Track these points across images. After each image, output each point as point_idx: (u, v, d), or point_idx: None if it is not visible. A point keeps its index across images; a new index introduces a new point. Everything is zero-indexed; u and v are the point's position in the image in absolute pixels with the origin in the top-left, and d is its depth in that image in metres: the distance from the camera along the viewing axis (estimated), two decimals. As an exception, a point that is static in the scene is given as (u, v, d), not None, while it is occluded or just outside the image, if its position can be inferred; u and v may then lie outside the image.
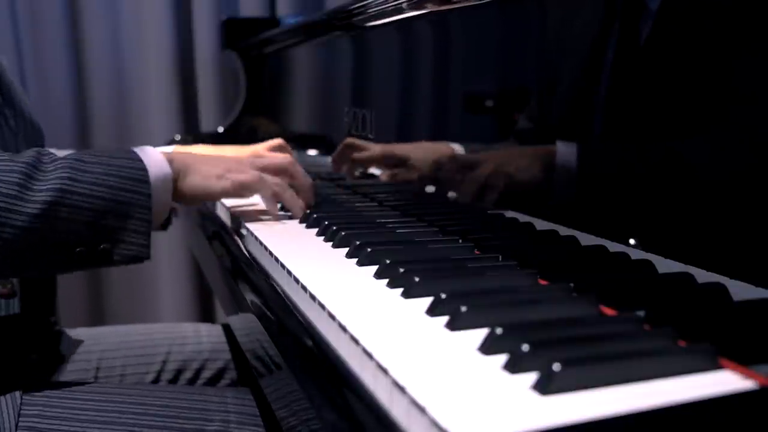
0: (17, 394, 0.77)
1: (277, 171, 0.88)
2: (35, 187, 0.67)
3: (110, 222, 0.71)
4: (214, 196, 0.87)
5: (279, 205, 0.96)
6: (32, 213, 0.67)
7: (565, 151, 0.71)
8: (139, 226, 0.73)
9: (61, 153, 0.96)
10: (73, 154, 0.75)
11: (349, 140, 1.10)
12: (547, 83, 0.77)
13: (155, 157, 0.77)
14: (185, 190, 0.81)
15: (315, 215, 0.84)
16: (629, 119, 0.64)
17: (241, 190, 0.84)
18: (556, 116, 0.74)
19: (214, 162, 0.84)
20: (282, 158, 0.91)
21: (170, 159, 0.80)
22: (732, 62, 0.53)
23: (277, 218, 0.89)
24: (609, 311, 0.51)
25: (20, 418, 0.75)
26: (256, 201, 1.07)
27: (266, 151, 1.08)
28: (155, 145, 1.15)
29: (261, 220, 0.89)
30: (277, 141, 1.12)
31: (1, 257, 0.68)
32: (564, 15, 0.74)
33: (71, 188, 0.69)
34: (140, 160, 0.75)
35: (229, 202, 1.03)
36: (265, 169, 0.87)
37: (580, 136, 0.70)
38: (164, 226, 0.78)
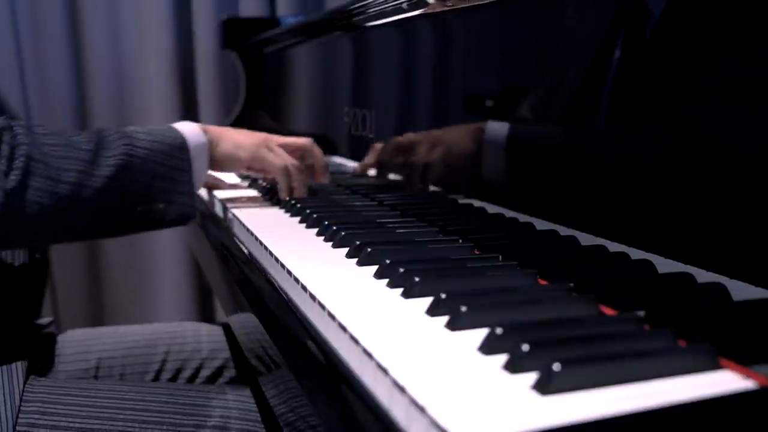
0: (16, 391, 0.77)
1: (297, 150, 1.01)
2: (106, 154, 0.80)
3: (161, 184, 0.84)
4: (241, 165, 0.97)
5: (277, 206, 0.96)
6: (106, 175, 0.79)
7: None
8: (184, 187, 0.85)
9: None
10: (123, 129, 0.86)
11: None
12: (550, 84, 0.77)
13: (192, 128, 0.90)
14: (217, 157, 0.93)
15: (315, 215, 0.84)
16: (632, 118, 0.64)
17: (262, 163, 0.96)
18: (559, 113, 0.75)
19: (244, 134, 0.97)
20: (304, 140, 1.03)
21: (205, 129, 0.92)
22: (732, 64, 0.53)
23: (265, 205, 0.97)
24: (609, 311, 0.51)
25: (20, 415, 0.75)
26: (252, 192, 1.07)
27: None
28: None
29: (260, 218, 0.89)
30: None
31: (80, 217, 0.79)
32: (567, 16, 0.74)
33: (133, 153, 0.81)
34: (179, 131, 0.88)
35: (222, 194, 1.03)
36: (285, 146, 0.99)
37: (583, 132, 0.70)
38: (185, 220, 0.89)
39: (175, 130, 0.87)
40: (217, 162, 0.93)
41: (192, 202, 0.86)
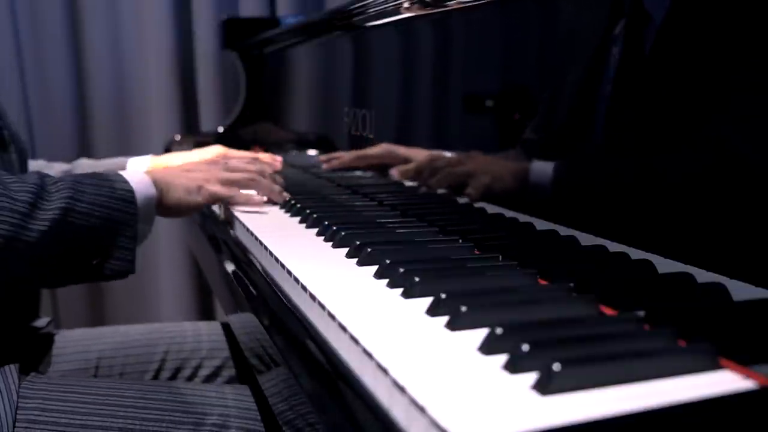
0: (12, 388, 0.77)
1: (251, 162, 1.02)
2: (44, 207, 0.74)
3: (103, 239, 0.79)
4: (195, 210, 0.95)
5: (278, 205, 0.96)
6: (41, 230, 0.73)
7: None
8: (127, 242, 0.80)
9: (53, 167, 1.08)
10: (70, 176, 0.81)
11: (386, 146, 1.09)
12: (550, 85, 0.77)
13: (141, 178, 0.85)
14: (169, 205, 0.89)
15: (315, 215, 0.84)
16: (632, 122, 0.64)
17: (216, 201, 0.95)
18: (557, 121, 0.75)
19: (191, 176, 0.93)
20: (250, 156, 1.05)
21: (154, 179, 0.87)
22: (731, 69, 0.53)
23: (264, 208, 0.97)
24: (609, 311, 0.51)
25: (18, 412, 0.75)
26: (252, 192, 1.07)
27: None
28: (154, 145, 1.15)
29: (260, 218, 0.89)
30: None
31: (12, 270, 0.75)
32: (569, 18, 0.74)
33: (73, 208, 0.76)
34: (128, 183, 0.82)
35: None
36: (235, 169, 0.98)
37: (580, 140, 0.70)
38: (124, 275, 0.85)
39: (125, 182, 0.82)
40: (168, 209, 0.89)
41: (132, 257, 0.81)
